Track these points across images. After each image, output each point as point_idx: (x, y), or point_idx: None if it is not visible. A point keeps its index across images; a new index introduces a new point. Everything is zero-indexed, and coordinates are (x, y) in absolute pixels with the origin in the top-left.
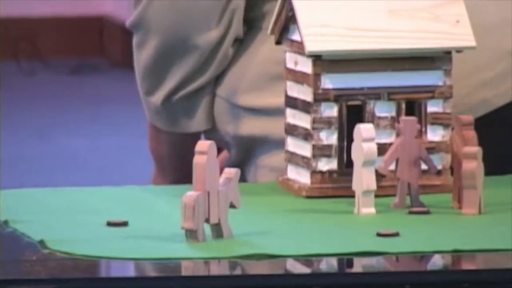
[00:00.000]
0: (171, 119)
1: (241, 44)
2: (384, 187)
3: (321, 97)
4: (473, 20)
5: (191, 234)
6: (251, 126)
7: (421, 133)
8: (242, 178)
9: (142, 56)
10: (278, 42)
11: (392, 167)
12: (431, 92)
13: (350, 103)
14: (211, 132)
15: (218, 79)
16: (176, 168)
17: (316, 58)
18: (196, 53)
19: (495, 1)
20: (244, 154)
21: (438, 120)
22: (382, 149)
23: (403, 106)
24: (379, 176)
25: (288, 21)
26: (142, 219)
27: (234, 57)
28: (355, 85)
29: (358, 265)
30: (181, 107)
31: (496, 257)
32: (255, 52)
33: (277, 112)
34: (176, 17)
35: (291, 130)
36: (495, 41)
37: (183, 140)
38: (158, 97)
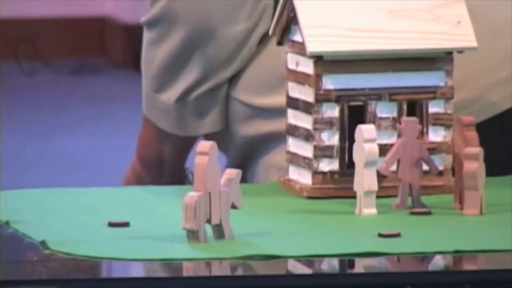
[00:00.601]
0: (181, 120)
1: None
2: (386, 187)
3: (323, 97)
4: (481, 22)
5: (193, 235)
6: (263, 126)
7: (422, 134)
8: (243, 179)
9: (160, 51)
10: (280, 43)
11: (394, 168)
12: (432, 92)
13: (351, 103)
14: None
15: (231, 79)
16: (177, 169)
17: (318, 59)
18: (222, 45)
19: (502, 1)
20: (249, 154)
21: (439, 120)
22: (384, 149)
23: (405, 106)
24: (381, 176)
25: (289, 22)
26: (143, 220)
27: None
28: (357, 86)
29: (360, 266)
30: (195, 107)
31: (498, 258)
32: (271, 51)
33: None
34: (204, 8)
35: (293, 130)
36: (502, 42)
37: (187, 141)
38: (172, 94)
